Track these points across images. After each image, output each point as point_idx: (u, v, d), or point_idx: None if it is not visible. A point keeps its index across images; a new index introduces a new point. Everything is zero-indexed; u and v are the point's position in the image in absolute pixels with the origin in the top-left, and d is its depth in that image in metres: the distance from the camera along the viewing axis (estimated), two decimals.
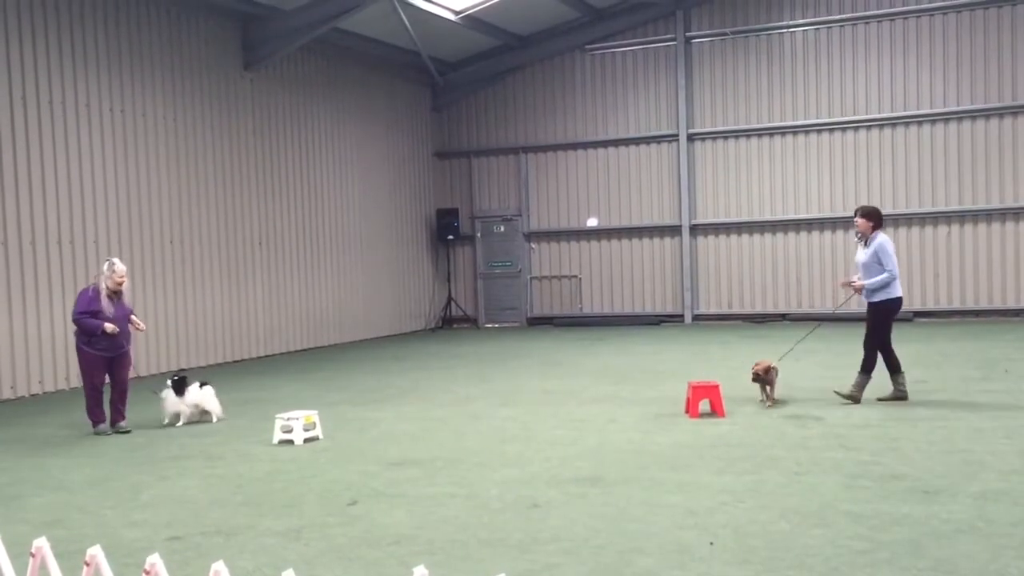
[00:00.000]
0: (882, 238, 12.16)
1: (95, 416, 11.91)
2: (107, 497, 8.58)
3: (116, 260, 11.96)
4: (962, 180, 23.42)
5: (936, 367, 15.22)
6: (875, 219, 12.22)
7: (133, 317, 12.18)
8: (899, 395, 12.15)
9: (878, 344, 12.12)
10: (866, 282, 12.02)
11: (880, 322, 12.15)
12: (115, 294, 11.85)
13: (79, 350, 11.90)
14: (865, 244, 12.22)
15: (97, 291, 11.76)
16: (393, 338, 25.07)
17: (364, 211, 24.74)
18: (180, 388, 12.28)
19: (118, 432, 11.88)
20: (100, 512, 8.07)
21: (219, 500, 8.30)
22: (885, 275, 11.96)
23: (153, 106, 18.44)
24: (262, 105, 21.22)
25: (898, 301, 12.19)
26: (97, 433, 11.81)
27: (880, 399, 12.15)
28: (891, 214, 23.70)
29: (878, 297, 12.07)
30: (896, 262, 12.16)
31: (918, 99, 23.71)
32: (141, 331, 12.43)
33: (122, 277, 11.89)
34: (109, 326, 11.61)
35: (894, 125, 23.93)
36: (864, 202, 24.05)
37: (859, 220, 12.26)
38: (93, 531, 7.45)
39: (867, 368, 12.14)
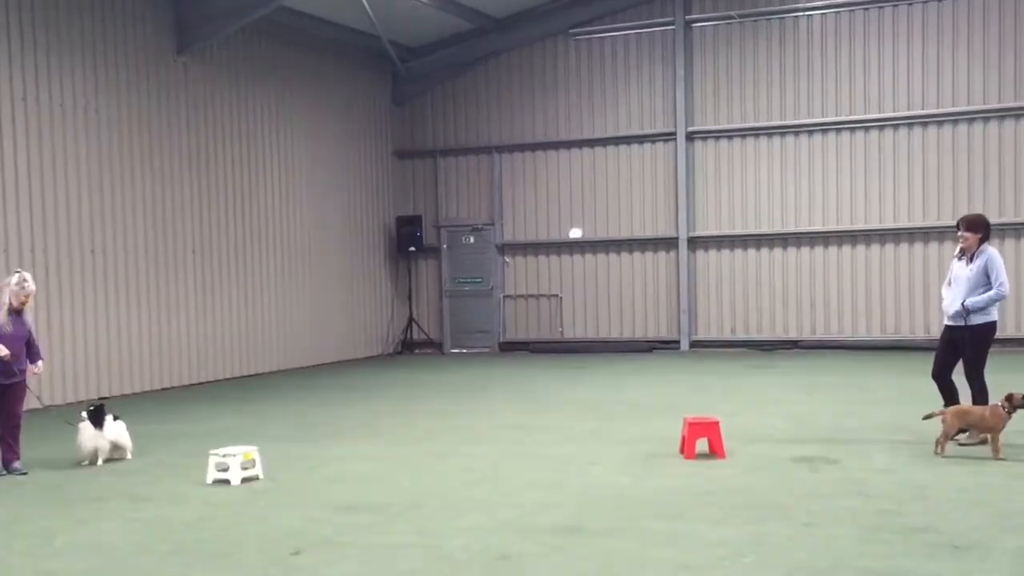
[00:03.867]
0: (991, 251, 12.10)
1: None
2: (14, 542, 8.58)
3: (28, 275, 11.84)
4: (1003, 186, 23.50)
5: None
6: (984, 231, 12.16)
7: (39, 364, 12.06)
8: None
9: (982, 371, 12.05)
10: (968, 301, 11.88)
11: (982, 348, 12.09)
12: (17, 312, 11.77)
13: None
14: (970, 259, 12.14)
15: None
16: (345, 364, 25.06)
17: (313, 218, 24.77)
18: (98, 419, 12.07)
19: (12, 474, 11.65)
20: (7, 559, 8.07)
21: (143, 547, 8.31)
22: (993, 292, 11.89)
23: (72, 95, 18.43)
24: (197, 95, 21.23)
25: (995, 324, 12.15)
26: None
27: (962, 443, 11.93)
28: (920, 227, 23.89)
29: (978, 319, 11.98)
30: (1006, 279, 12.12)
31: (953, 94, 23.78)
32: (35, 374, 12.24)
33: (29, 295, 11.78)
34: (2, 350, 11.45)
35: (925, 124, 24.03)
36: (889, 212, 24.23)
37: (966, 234, 12.12)
38: None
39: (982, 402, 11.93)
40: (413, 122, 28.34)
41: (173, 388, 20.34)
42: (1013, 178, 23.46)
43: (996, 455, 11.11)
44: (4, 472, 11.66)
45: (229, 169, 22.08)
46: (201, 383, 21.11)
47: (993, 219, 22.87)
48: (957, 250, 12.44)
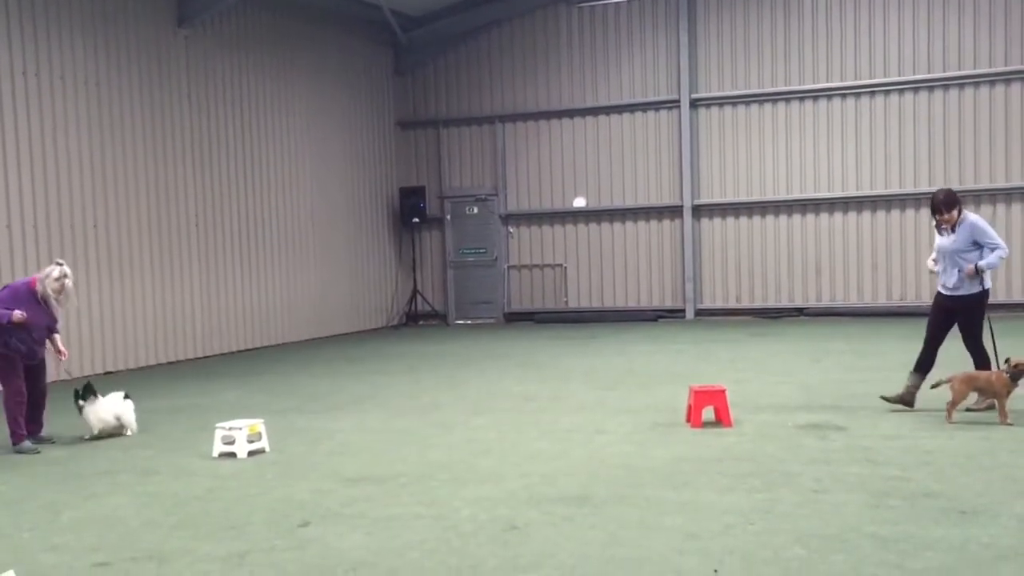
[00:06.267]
0: (972, 218, 12.10)
1: (18, 430, 11.72)
2: (23, 518, 8.62)
3: (68, 270, 11.96)
4: (1010, 151, 23.43)
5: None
6: (958, 203, 12.07)
7: (57, 338, 12.18)
8: (907, 398, 12.24)
9: (980, 338, 12.09)
10: (982, 263, 11.82)
11: (981, 315, 12.12)
12: (46, 301, 11.85)
13: None
14: (951, 230, 12.08)
15: (32, 293, 11.71)
16: (350, 336, 25.12)
17: (316, 190, 24.76)
18: (92, 396, 12.25)
19: (40, 443, 11.88)
20: (15, 535, 8.11)
21: (151, 521, 8.35)
22: (1000, 251, 11.90)
23: (72, 68, 18.38)
24: (198, 67, 21.18)
25: (988, 292, 12.15)
26: (19, 451, 11.60)
27: (886, 398, 12.28)
28: (927, 192, 23.65)
29: (976, 287, 11.98)
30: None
31: (959, 57, 23.70)
32: (62, 358, 12.35)
33: (62, 291, 11.91)
34: (17, 314, 11.47)
35: (931, 88, 23.96)
36: (894, 177, 24.16)
37: (946, 215, 11.99)
38: (7, 556, 7.49)
39: (984, 369, 12.00)
40: (415, 92, 28.29)
41: (178, 362, 20.39)
42: (1021, 142, 23.36)
43: (1003, 420, 11.13)
44: (38, 450, 11.71)
45: (231, 141, 22.05)
46: (206, 357, 21.15)
47: (999, 183, 23.09)
48: (935, 225, 12.43)
